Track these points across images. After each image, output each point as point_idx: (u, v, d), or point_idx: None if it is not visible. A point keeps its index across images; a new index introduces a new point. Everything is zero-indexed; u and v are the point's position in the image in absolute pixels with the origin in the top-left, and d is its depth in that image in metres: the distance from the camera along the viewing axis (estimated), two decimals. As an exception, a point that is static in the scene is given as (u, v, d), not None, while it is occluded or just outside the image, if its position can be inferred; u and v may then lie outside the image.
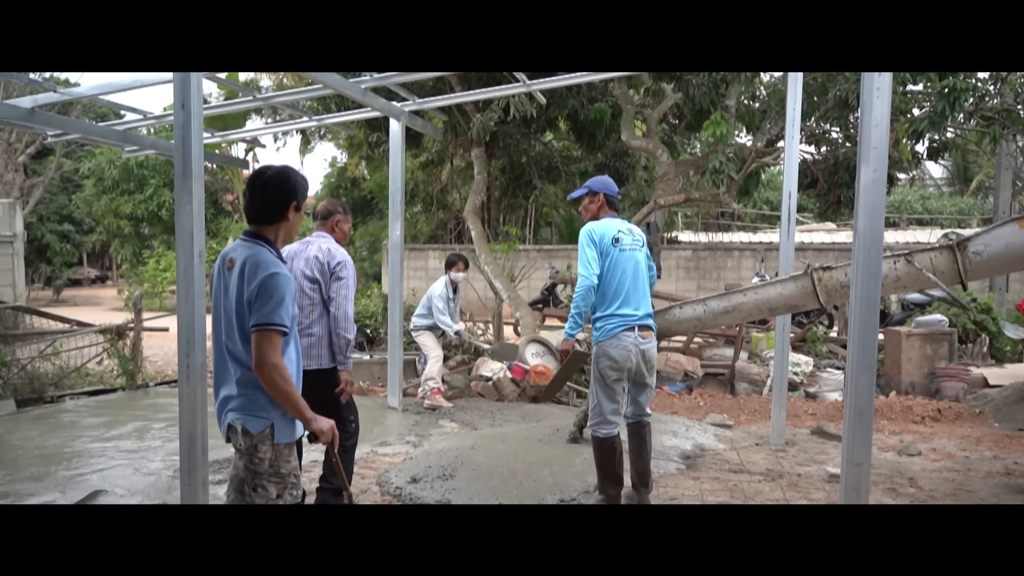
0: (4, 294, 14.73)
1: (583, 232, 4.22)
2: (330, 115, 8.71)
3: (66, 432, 6.21)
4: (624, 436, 4.39)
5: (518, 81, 6.95)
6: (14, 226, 17.40)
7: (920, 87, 8.97)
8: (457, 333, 7.55)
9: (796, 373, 8.44)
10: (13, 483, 4.74)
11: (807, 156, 9.97)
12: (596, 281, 4.13)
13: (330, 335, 4.01)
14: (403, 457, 5.45)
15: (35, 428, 6.35)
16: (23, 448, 5.65)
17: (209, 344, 2.97)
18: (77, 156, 25.82)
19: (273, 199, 2.68)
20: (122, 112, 7.89)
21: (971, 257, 4.31)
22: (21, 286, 17.48)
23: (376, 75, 6.28)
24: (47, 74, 18.10)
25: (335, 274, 4.00)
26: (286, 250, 4.11)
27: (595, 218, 4.35)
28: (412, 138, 11.30)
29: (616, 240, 4.19)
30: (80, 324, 9.00)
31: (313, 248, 4.09)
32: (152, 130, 11.96)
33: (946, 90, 7.46)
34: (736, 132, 10.70)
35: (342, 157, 24.29)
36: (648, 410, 4.41)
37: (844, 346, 9.30)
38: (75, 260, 29.74)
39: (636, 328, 4.16)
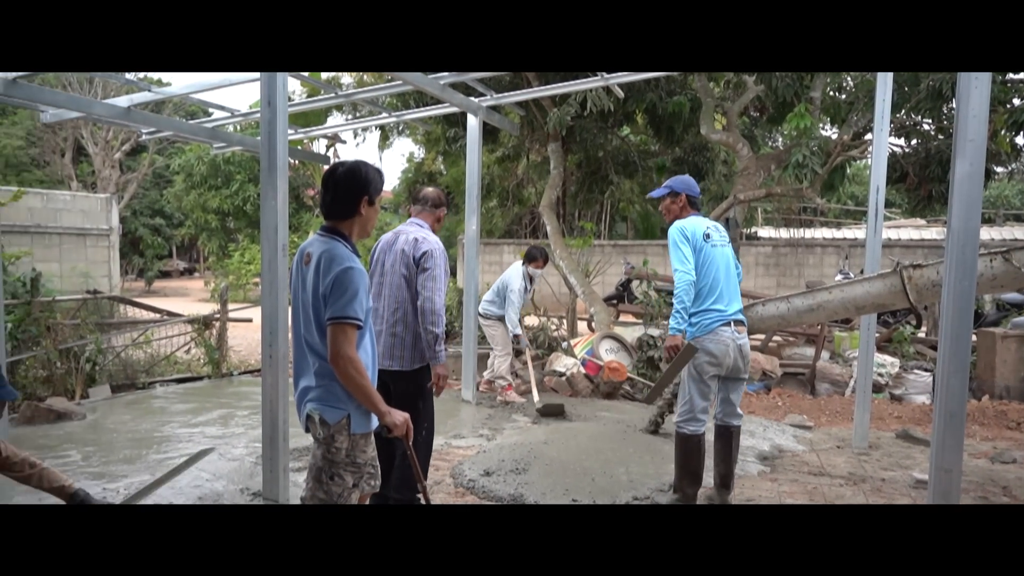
0: (101, 284, 15.50)
1: (673, 230, 4.18)
2: (409, 111, 8.83)
3: (156, 417, 6.49)
4: (709, 437, 4.32)
5: (596, 75, 6.90)
6: (110, 220, 18.29)
7: (1021, 75, 8.52)
8: (516, 337, 7.51)
9: (881, 374, 8.14)
10: (108, 464, 4.98)
11: (896, 149, 9.61)
12: (695, 276, 4.08)
13: (414, 335, 3.86)
14: (476, 450, 5.49)
15: (128, 412, 6.65)
16: (117, 431, 5.92)
17: (290, 336, 3.05)
18: (168, 153, 26.94)
19: (345, 194, 2.73)
20: (210, 110, 8.17)
21: (1075, 255, 4.07)
22: (116, 277, 18.37)
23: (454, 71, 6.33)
24: (141, 74, 18.91)
25: (421, 265, 3.83)
26: (380, 242, 4.09)
27: (678, 218, 4.30)
28: (489, 133, 11.36)
29: (707, 236, 4.15)
30: (170, 314, 9.39)
31: (401, 241, 3.95)
32: (238, 127, 12.35)
33: (1050, 79, 7.07)
34: (821, 125, 10.39)
35: (419, 152, 24.63)
36: (739, 411, 4.34)
37: (933, 347, 8.93)
38: (165, 253, 31.02)
39: (732, 323, 4.11)
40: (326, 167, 3.88)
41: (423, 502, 3.14)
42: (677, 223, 4.21)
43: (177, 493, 4.40)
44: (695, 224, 4.18)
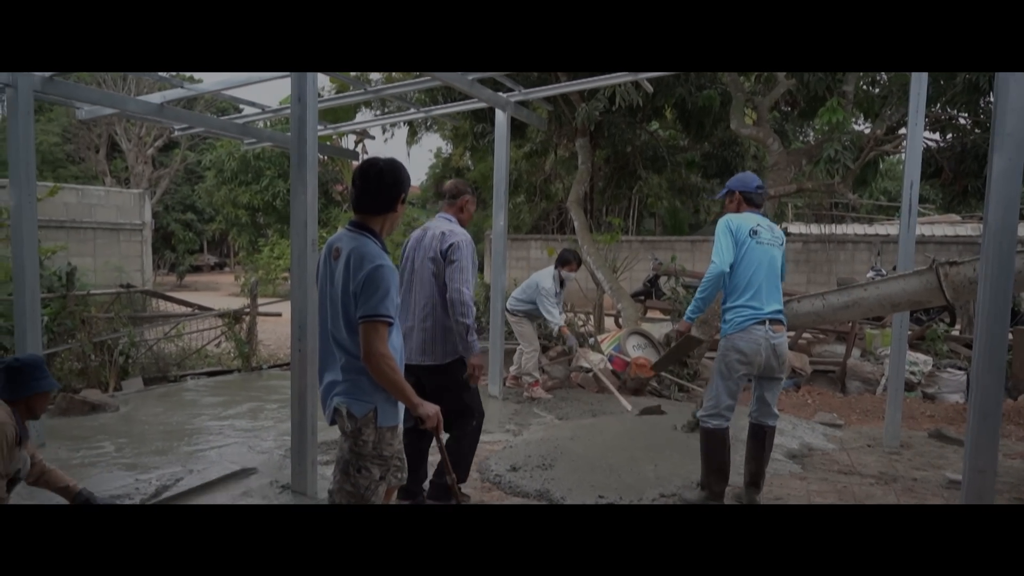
0: (134, 279, 15.73)
1: (721, 221, 4.18)
2: (437, 107, 8.85)
3: (187, 410, 6.58)
4: (738, 435, 4.28)
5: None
6: (143, 215, 18.56)
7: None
8: (563, 336, 7.47)
9: (913, 372, 8.01)
10: (140, 456, 5.06)
11: (931, 143, 9.45)
12: (727, 269, 4.05)
13: (444, 329, 3.87)
14: (503, 445, 5.50)
15: (160, 405, 6.75)
16: (149, 424, 6.02)
17: (317, 330, 3.07)
18: (199, 149, 27.27)
19: (387, 189, 2.73)
20: (241, 106, 8.25)
21: (1117, 253, 3.97)
22: (149, 271, 18.64)
23: (483, 66, 6.32)
24: (174, 71, 19.10)
25: (448, 258, 3.85)
26: (410, 239, 4.09)
27: None
28: (517, 128, 11.34)
29: (754, 232, 4.11)
30: (201, 308, 9.50)
31: (428, 236, 3.97)
32: (268, 123, 12.44)
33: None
34: (853, 119, 10.25)
35: (447, 148, 24.70)
36: (775, 411, 4.29)
37: (967, 345, 8.78)
38: (197, 247, 31.41)
39: (767, 322, 4.05)
40: (355, 163, 3.92)
41: (454, 492, 3.18)
42: (727, 215, 4.21)
43: (207, 486, 4.45)
44: (743, 219, 4.16)
